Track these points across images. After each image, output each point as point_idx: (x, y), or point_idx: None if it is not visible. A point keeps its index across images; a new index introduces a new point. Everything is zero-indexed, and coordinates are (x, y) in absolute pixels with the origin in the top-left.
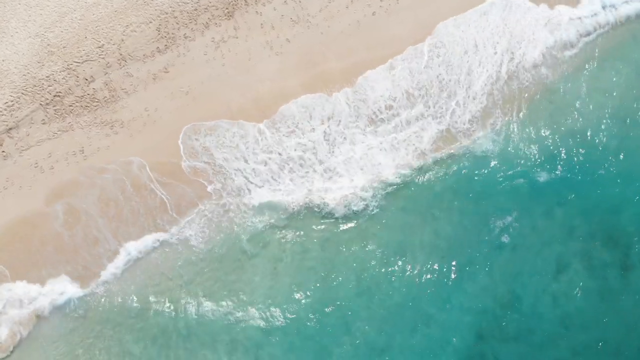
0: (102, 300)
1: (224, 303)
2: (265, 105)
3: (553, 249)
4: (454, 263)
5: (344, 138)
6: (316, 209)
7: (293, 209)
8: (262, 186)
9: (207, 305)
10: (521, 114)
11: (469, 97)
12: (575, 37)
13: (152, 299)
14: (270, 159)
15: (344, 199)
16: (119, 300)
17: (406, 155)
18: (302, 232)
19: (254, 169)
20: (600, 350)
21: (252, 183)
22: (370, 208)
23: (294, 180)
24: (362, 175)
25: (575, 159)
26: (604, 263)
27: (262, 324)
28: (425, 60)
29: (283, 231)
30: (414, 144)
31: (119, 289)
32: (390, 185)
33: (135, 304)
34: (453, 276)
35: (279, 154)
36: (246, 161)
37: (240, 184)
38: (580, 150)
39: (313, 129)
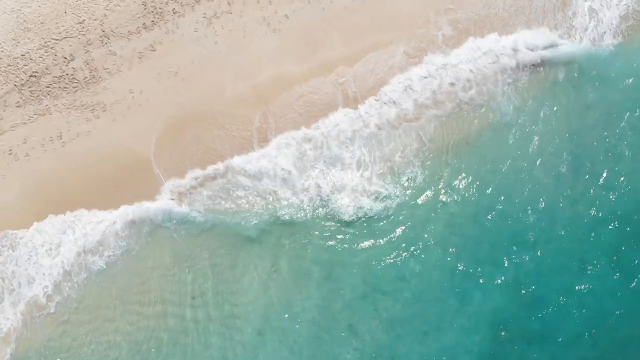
0: None
1: None
2: (264, 91)
3: (578, 245)
4: (470, 261)
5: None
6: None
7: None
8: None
9: None
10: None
11: None
12: None
13: None
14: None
15: (355, 198)
16: None
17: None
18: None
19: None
20: (629, 350)
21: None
22: (379, 205)
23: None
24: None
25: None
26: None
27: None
28: None
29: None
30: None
31: None
32: (402, 176)
33: None
34: (469, 275)
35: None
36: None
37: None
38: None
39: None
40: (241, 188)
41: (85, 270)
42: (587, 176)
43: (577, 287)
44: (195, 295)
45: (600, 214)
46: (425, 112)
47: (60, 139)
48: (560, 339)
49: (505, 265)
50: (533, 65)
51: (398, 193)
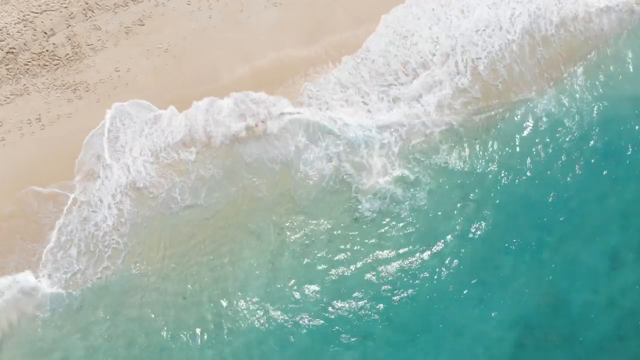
0: None
1: None
2: (263, 74)
3: (607, 241)
4: (489, 257)
5: None
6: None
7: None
8: None
9: None
10: None
11: None
12: None
13: None
14: None
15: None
16: None
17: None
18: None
19: None
20: None
21: None
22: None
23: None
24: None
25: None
26: None
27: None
28: None
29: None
30: None
31: None
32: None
33: None
34: (488, 273)
35: None
36: None
37: None
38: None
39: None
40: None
41: None
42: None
43: (606, 286)
44: (187, 295)
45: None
46: None
47: (39, 121)
48: (588, 341)
49: (533, 259)
50: None
51: (426, 178)
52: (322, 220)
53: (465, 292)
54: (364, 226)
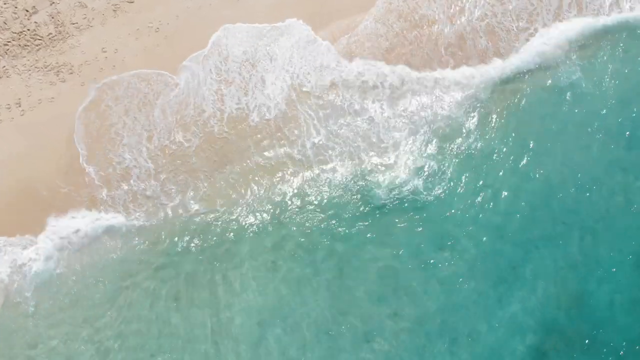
0: None
1: None
2: None
3: (631, 238)
4: (507, 255)
5: None
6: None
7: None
8: None
9: None
10: None
11: None
12: None
13: None
14: None
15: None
16: None
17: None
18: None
19: None
20: None
21: None
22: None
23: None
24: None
25: None
26: None
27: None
28: None
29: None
30: None
31: None
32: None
33: None
34: (506, 273)
35: None
36: None
37: None
38: None
39: None
40: None
41: None
42: None
43: (631, 285)
44: (179, 296)
45: None
46: None
47: (19, 106)
48: (613, 345)
49: (554, 257)
50: None
51: (446, 168)
52: (334, 212)
53: (482, 292)
54: (381, 217)
